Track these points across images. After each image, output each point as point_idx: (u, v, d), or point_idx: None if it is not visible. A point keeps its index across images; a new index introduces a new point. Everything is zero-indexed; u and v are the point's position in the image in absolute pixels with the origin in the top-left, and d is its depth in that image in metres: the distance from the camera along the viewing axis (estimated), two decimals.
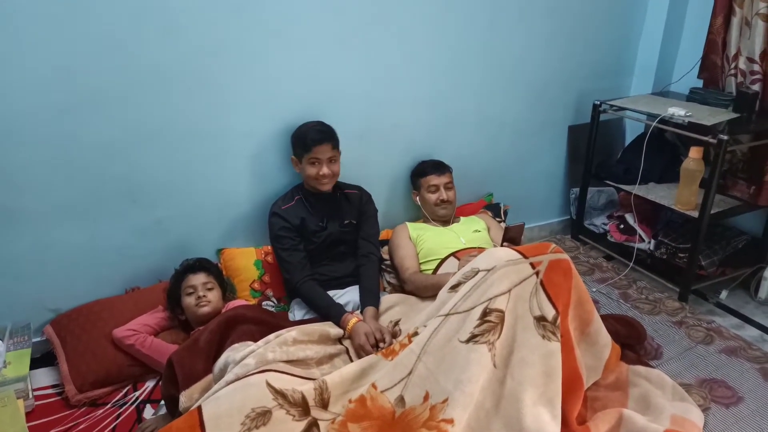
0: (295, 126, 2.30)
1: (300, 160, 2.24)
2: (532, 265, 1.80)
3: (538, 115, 2.96)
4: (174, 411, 1.76)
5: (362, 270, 2.30)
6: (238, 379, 1.69)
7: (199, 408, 1.58)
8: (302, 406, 1.65)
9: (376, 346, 1.95)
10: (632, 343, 2.20)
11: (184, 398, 1.73)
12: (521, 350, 1.71)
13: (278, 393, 1.63)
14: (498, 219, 2.73)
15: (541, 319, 1.73)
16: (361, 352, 1.94)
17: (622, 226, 2.93)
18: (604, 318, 2.07)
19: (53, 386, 2.08)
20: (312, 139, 2.19)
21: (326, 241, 2.28)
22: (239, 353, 1.76)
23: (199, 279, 2.16)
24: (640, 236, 2.81)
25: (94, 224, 2.16)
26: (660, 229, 2.79)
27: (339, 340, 2.02)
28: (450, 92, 2.65)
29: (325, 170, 2.21)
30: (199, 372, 1.79)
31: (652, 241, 2.78)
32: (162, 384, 1.82)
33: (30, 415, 1.94)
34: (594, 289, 2.66)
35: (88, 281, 2.23)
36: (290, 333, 1.88)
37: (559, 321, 1.74)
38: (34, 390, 2.03)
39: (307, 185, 2.30)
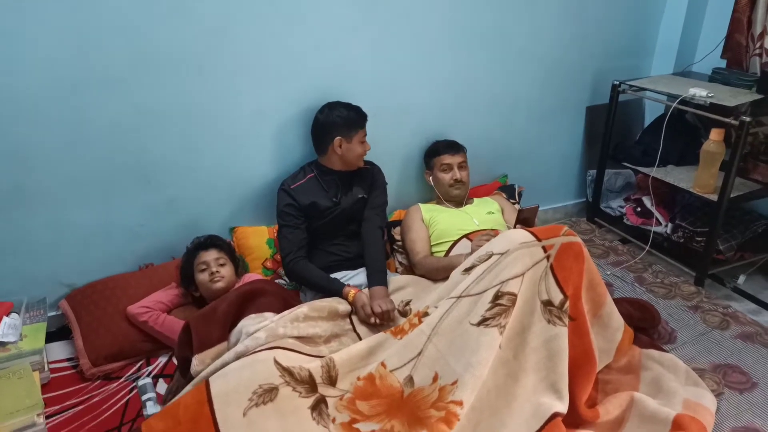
0: (306, 105, 2.30)
1: (351, 139, 2.22)
2: (545, 249, 1.78)
3: (554, 95, 2.90)
4: (186, 373, 1.78)
5: (367, 249, 2.25)
6: (247, 352, 1.71)
7: (207, 384, 1.59)
8: (309, 383, 1.66)
9: (381, 323, 1.96)
10: (646, 327, 2.17)
11: (196, 361, 1.76)
12: (526, 334, 1.71)
13: (285, 370, 1.64)
14: (512, 201, 2.70)
15: (547, 304, 1.72)
16: (364, 325, 1.98)
17: (639, 209, 2.88)
18: (618, 301, 2.05)
19: (68, 359, 2.11)
20: (363, 115, 2.24)
21: (339, 217, 2.27)
22: (253, 326, 1.78)
23: (210, 255, 2.17)
24: (657, 219, 2.77)
25: (106, 203, 2.17)
26: (677, 213, 2.74)
27: (349, 316, 2.01)
28: (462, 71, 2.61)
29: (368, 146, 2.27)
30: (214, 339, 1.81)
31: (669, 225, 2.73)
32: (177, 346, 1.84)
33: (45, 387, 1.97)
34: (608, 273, 2.63)
35: (102, 258, 2.25)
36: (301, 309, 1.89)
37: (567, 305, 1.72)
38: (49, 363, 2.07)
39: (342, 164, 2.27)
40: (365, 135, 2.26)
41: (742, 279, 2.57)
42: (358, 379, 1.73)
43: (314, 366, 1.69)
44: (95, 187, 2.13)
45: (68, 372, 2.06)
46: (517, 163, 2.95)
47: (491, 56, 2.65)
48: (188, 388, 1.71)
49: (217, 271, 2.13)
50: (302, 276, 2.18)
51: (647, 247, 2.70)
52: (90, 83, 1.98)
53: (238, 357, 1.70)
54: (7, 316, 2.02)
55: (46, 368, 2.01)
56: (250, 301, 1.94)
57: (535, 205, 2.15)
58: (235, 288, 2.03)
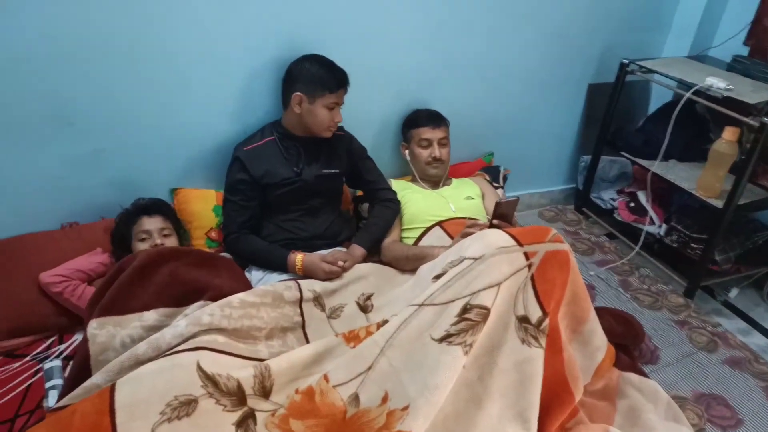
0: (276, 56, 1.98)
1: (314, 100, 1.91)
2: (526, 256, 1.51)
3: (554, 66, 2.59)
4: None
5: (376, 209, 2.09)
6: (171, 349, 1.46)
7: (112, 389, 1.33)
8: (237, 395, 1.40)
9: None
10: (627, 344, 1.96)
11: (95, 324, 1.53)
12: (495, 353, 1.46)
13: (208, 379, 1.37)
14: (496, 185, 2.42)
15: (523, 320, 1.47)
16: (332, 276, 1.84)
17: (632, 204, 2.63)
18: (601, 312, 1.83)
19: None
20: (338, 80, 1.91)
21: (298, 191, 1.98)
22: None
23: (154, 224, 1.89)
24: (650, 218, 2.53)
25: (18, 147, 1.83)
26: (674, 213, 2.50)
27: (299, 306, 1.75)
28: (450, 31, 2.27)
29: (339, 118, 1.96)
30: (133, 305, 1.58)
31: (664, 226, 2.49)
32: (86, 314, 1.58)
33: None
34: (591, 273, 2.40)
35: (14, 210, 1.92)
36: (238, 294, 1.62)
37: (545, 324, 1.47)
38: None
39: (303, 129, 1.98)
40: (336, 104, 1.93)
41: (734, 293, 2.36)
42: (296, 392, 1.47)
43: (245, 375, 1.43)
44: (2, 129, 1.79)
45: None
46: (504, 140, 2.65)
47: (486, 17, 2.30)
48: (92, 381, 1.44)
49: (162, 243, 1.86)
50: (244, 251, 1.94)
51: (637, 248, 2.46)
52: None
53: (152, 347, 1.46)
54: None
55: None
56: (206, 268, 1.70)
57: (515, 197, 1.87)
58: (188, 249, 1.76)
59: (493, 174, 2.48)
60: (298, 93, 1.89)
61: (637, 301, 2.26)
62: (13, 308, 1.78)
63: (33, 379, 1.68)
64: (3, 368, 1.71)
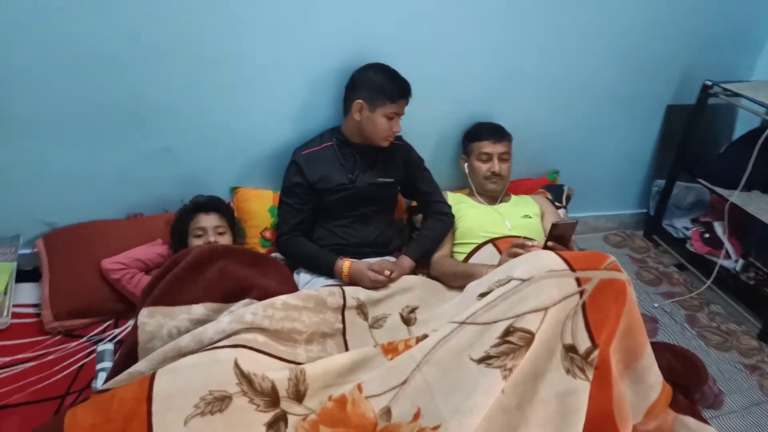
0: (337, 65, 2.00)
1: (374, 109, 1.91)
2: (579, 282, 1.43)
3: (629, 85, 2.46)
4: None
5: (428, 221, 2.08)
6: (212, 344, 1.48)
7: (152, 378, 1.36)
8: (271, 396, 1.41)
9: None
10: (688, 385, 1.82)
11: (146, 312, 1.58)
12: (538, 381, 1.39)
13: (244, 377, 1.38)
14: (558, 204, 2.33)
15: (570, 350, 1.39)
16: (378, 286, 1.82)
17: (707, 235, 2.47)
18: (659, 349, 1.72)
19: (34, 305, 1.93)
20: (400, 90, 1.91)
21: (351, 197, 1.98)
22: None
23: (210, 221, 1.95)
24: (726, 251, 2.35)
25: (94, 141, 1.93)
26: (753, 248, 2.32)
27: (342, 313, 1.74)
28: (520, 44, 2.20)
29: (398, 128, 1.95)
30: (183, 297, 1.62)
31: (741, 261, 2.32)
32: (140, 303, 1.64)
33: (2, 333, 1.81)
34: (656, 305, 2.26)
35: (87, 199, 2.04)
36: (281, 297, 1.63)
37: (593, 356, 1.39)
38: (15, 306, 1.89)
39: (362, 136, 1.98)
40: (396, 114, 1.92)
41: None
42: (330, 399, 1.46)
43: (280, 377, 1.43)
44: (82, 124, 1.89)
45: (30, 320, 1.88)
46: (571, 159, 2.55)
47: (557, 31, 2.22)
48: (136, 368, 1.48)
49: (215, 241, 1.91)
50: (295, 252, 1.96)
51: (708, 282, 2.30)
52: (81, 3, 1.71)
53: (195, 340, 1.48)
54: None
55: (7, 312, 1.84)
56: (255, 268, 1.73)
57: (574, 220, 1.78)
58: (240, 248, 1.81)
59: (556, 193, 2.39)
60: (359, 100, 1.89)
61: (704, 339, 2.10)
62: (76, 290, 1.88)
63: (86, 360, 1.75)
64: (60, 347, 1.80)
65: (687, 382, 1.82)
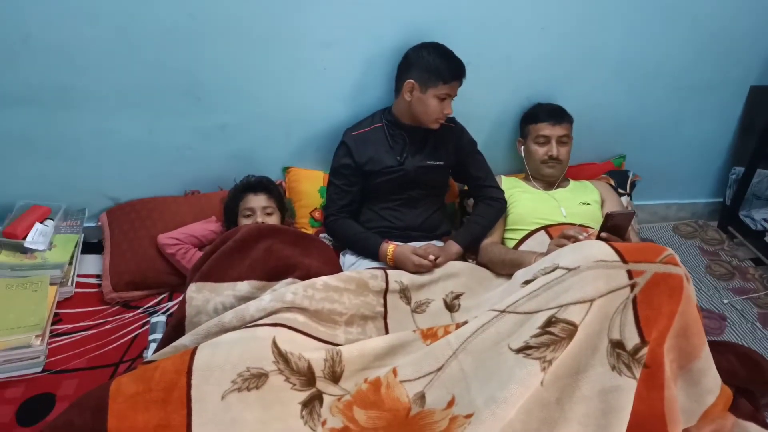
0: (392, 44, 1.95)
1: (426, 89, 1.86)
2: (630, 274, 1.35)
3: (710, 68, 2.29)
4: None
5: (479, 207, 2.03)
6: (253, 322, 1.51)
7: (193, 352, 1.40)
8: (307, 376, 1.41)
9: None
10: (751, 389, 1.69)
11: (194, 287, 1.62)
12: (579, 376, 1.32)
13: (281, 356, 1.40)
14: (621, 191, 2.20)
15: (617, 345, 1.31)
16: (422, 270, 1.79)
17: None
18: (721, 350, 1.61)
19: (97, 276, 2.03)
20: (453, 71, 1.85)
21: (399, 180, 1.95)
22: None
23: (258, 202, 1.98)
24: None
25: (153, 117, 1.99)
26: None
27: (384, 297, 1.72)
28: (588, 23, 2.07)
29: (449, 110, 1.89)
30: (230, 274, 1.65)
31: None
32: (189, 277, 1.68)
33: (67, 302, 1.91)
34: (725, 301, 2.11)
35: (146, 175, 2.12)
36: (323, 278, 1.64)
37: (642, 353, 1.31)
38: (79, 276, 2.00)
39: (412, 118, 1.94)
40: (449, 95, 1.86)
41: None
42: (365, 381, 1.45)
43: (316, 357, 1.43)
44: (143, 99, 1.95)
45: (92, 290, 1.98)
46: (639, 144, 2.41)
47: (630, 10, 2.08)
48: (181, 342, 1.53)
49: (263, 221, 1.94)
50: (341, 233, 1.96)
51: None
52: None
53: (237, 317, 1.52)
54: (41, 222, 1.95)
55: (71, 282, 1.94)
56: (299, 248, 1.74)
57: (631, 210, 1.67)
58: (285, 228, 1.83)
59: (620, 179, 2.26)
60: (411, 80, 1.85)
61: None
62: (134, 263, 1.96)
63: (140, 331, 1.83)
64: (118, 317, 1.88)
65: (750, 387, 1.68)
